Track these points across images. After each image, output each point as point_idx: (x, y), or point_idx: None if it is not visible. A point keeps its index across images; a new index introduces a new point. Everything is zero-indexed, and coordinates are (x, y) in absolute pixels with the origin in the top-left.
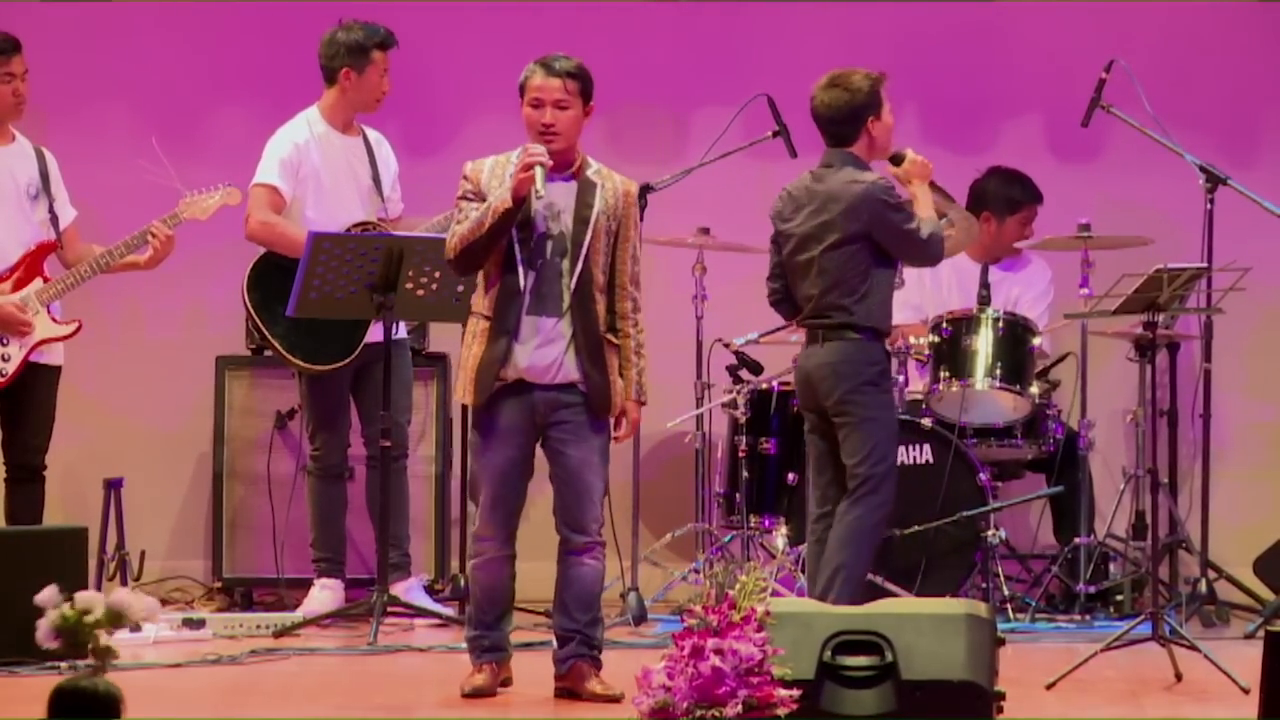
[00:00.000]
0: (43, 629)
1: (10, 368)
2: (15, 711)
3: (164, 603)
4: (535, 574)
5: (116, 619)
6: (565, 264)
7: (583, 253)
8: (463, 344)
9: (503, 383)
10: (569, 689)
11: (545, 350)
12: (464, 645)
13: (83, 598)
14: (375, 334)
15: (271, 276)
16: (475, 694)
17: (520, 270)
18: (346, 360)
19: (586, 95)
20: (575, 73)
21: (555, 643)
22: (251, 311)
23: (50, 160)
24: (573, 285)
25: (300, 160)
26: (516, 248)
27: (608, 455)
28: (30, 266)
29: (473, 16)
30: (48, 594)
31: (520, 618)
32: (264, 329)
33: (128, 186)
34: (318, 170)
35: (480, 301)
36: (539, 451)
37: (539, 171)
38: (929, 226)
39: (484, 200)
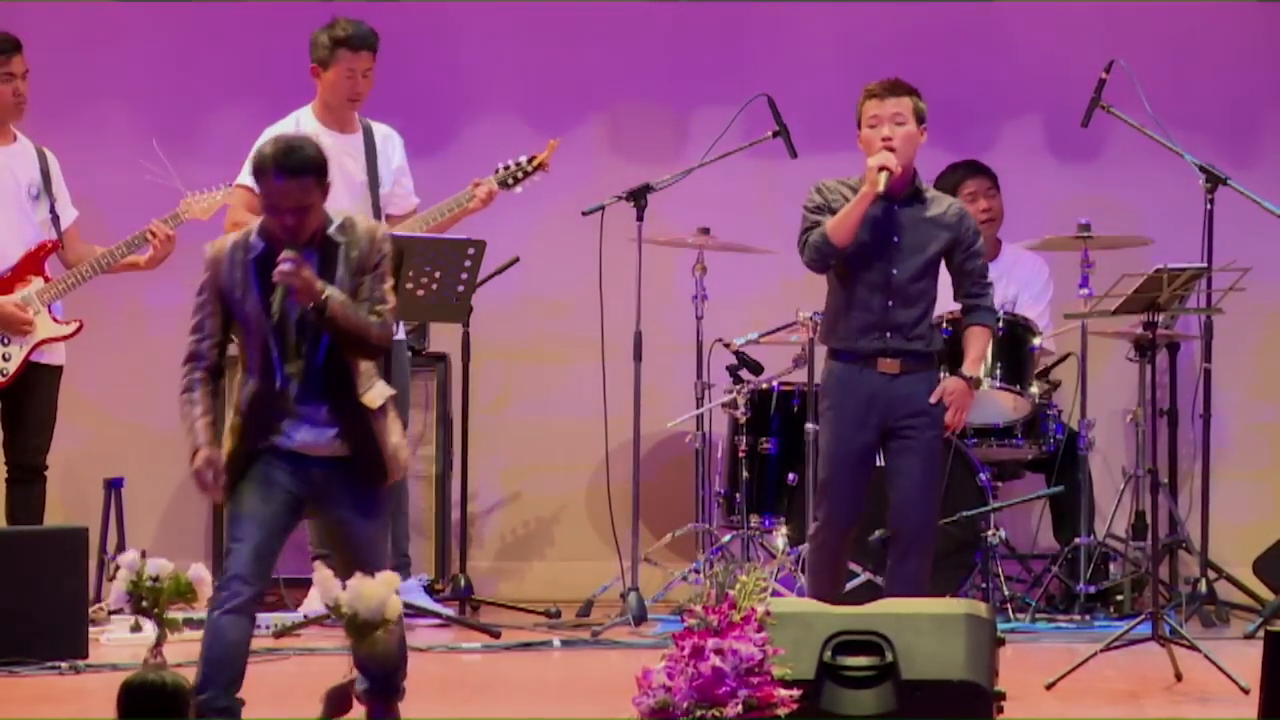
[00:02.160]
0: (116, 590)
1: (11, 367)
2: (15, 711)
3: None
4: (535, 574)
5: (188, 592)
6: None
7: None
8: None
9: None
10: None
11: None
12: (464, 645)
13: (156, 564)
14: None
15: None
16: None
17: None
18: None
19: (324, 186)
20: (309, 168)
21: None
22: None
23: (52, 160)
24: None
25: None
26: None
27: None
28: (31, 266)
29: (473, 16)
30: (128, 556)
31: (520, 618)
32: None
33: (128, 186)
34: None
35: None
36: None
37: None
38: (813, 234)
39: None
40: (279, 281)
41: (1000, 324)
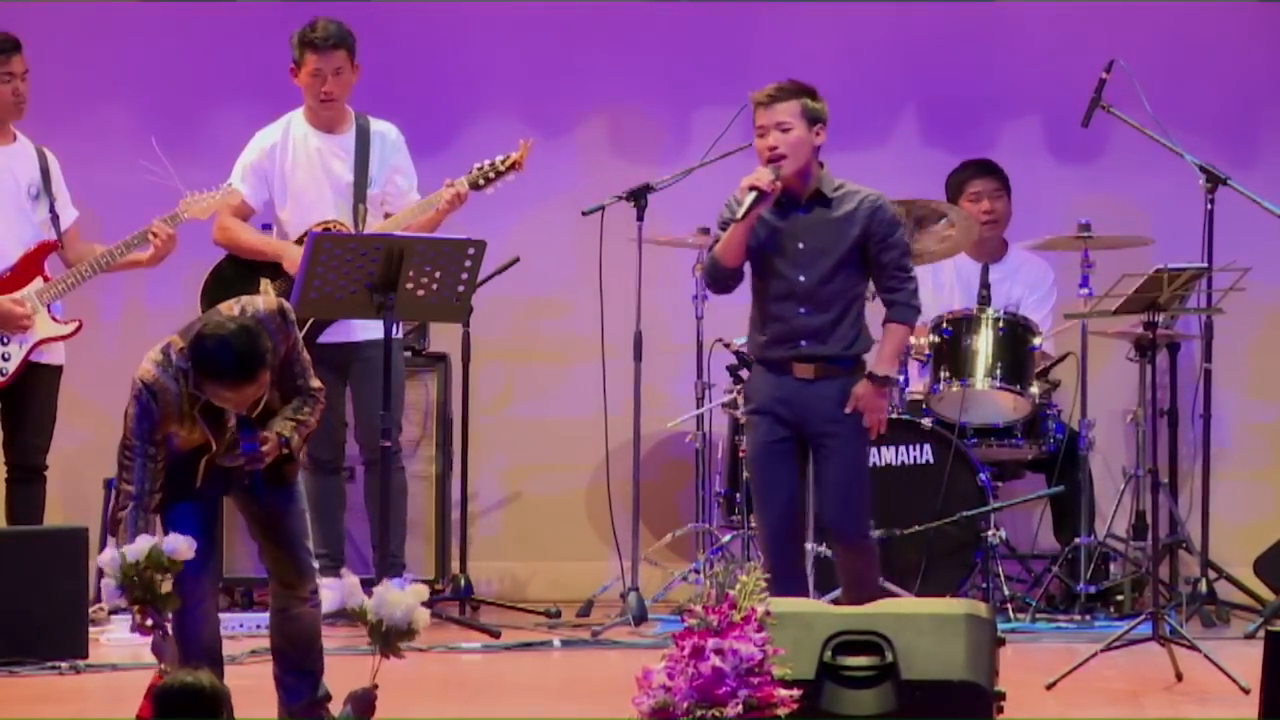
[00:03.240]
0: (107, 589)
1: (11, 367)
2: (15, 711)
3: None
4: (535, 574)
5: (171, 564)
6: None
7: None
8: None
9: None
10: None
11: None
12: (464, 645)
13: (131, 548)
14: (343, 333)
15: (224, 280)
16: None
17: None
18: None
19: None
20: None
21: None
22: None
23: (51, 160)
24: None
25: (268, 163)
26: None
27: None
28: (30, 266)
29: (473, 16)
30: (107, 554)
31: (520, 617)
32: None
33: (128, 186)
34: (288, 171)
35: None
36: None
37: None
38: (706, 256)
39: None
40: (248, 469)
41: (1001, 324)
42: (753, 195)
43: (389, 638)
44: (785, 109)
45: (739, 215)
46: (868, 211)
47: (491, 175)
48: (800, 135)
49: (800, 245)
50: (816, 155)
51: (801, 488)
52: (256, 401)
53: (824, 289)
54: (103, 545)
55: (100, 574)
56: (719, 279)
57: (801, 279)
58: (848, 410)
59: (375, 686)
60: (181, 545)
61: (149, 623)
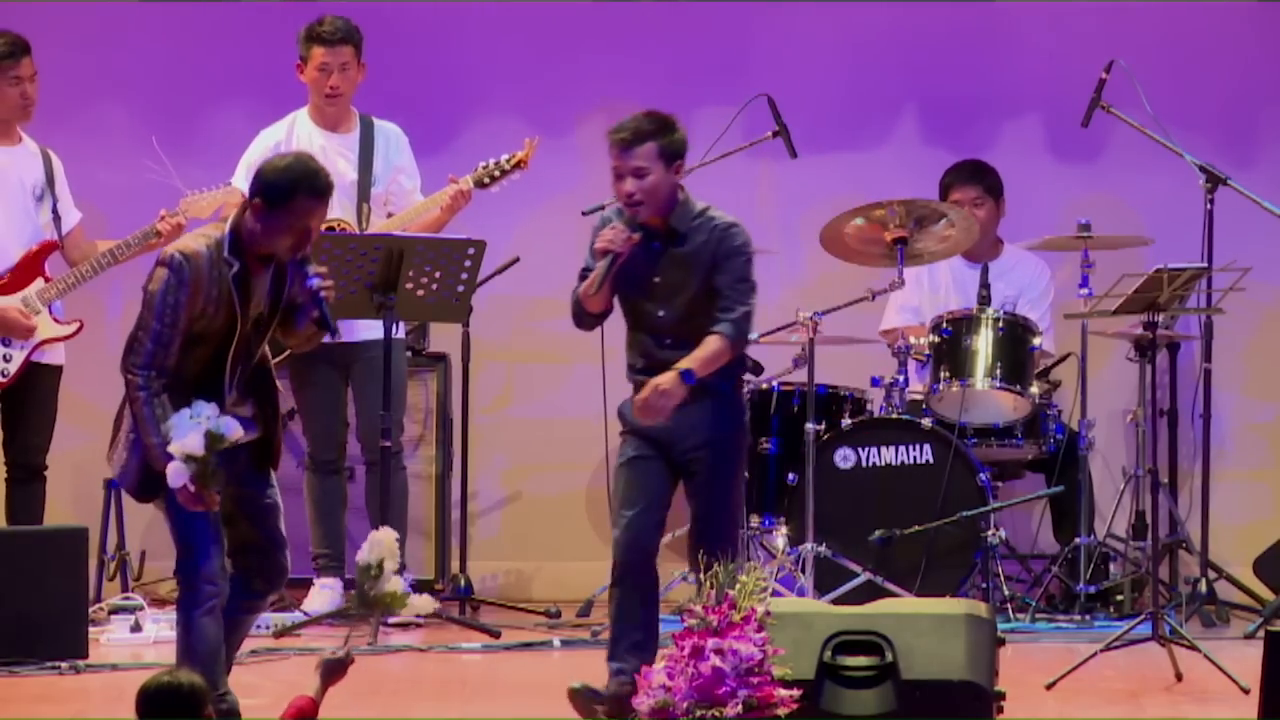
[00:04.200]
0: (176, 470)
1: (12, 368)
2: (15, 711)
3: (164, 603)
4: (535, 574)
5: (218, 440)
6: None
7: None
8: None
9: None
10: None
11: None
12: (464, 645)
13: (191, 438)
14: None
15: None
16: None
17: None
18: (279, 357)
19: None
20: (328, 190)
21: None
22: None
23: (55, 162)
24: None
25: None
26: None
27: None
28: (31, 266)
29: (473, 16)
30: (176, 443)
31: (520, 618)
32: None
33: (127, 185)
34: None
35: None
36: None
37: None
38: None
39: None
40: (324, 294)
41: (1001, 324)
42: (607, 259)
43: (376, 602)
44: (642, 153)
45: (594, 286)
46: (717, 239)
47: (497, 174)
48: (657, 179)
49: (658, 280)
50: (676, 190)
51: (662, 507)
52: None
53: (687, 323)
54: (103, 545)
55: (102, 566)
56: (582, 322)
57: (662, 314)
58: (642, 394)
59: (348, 653)
60: (235, 428)
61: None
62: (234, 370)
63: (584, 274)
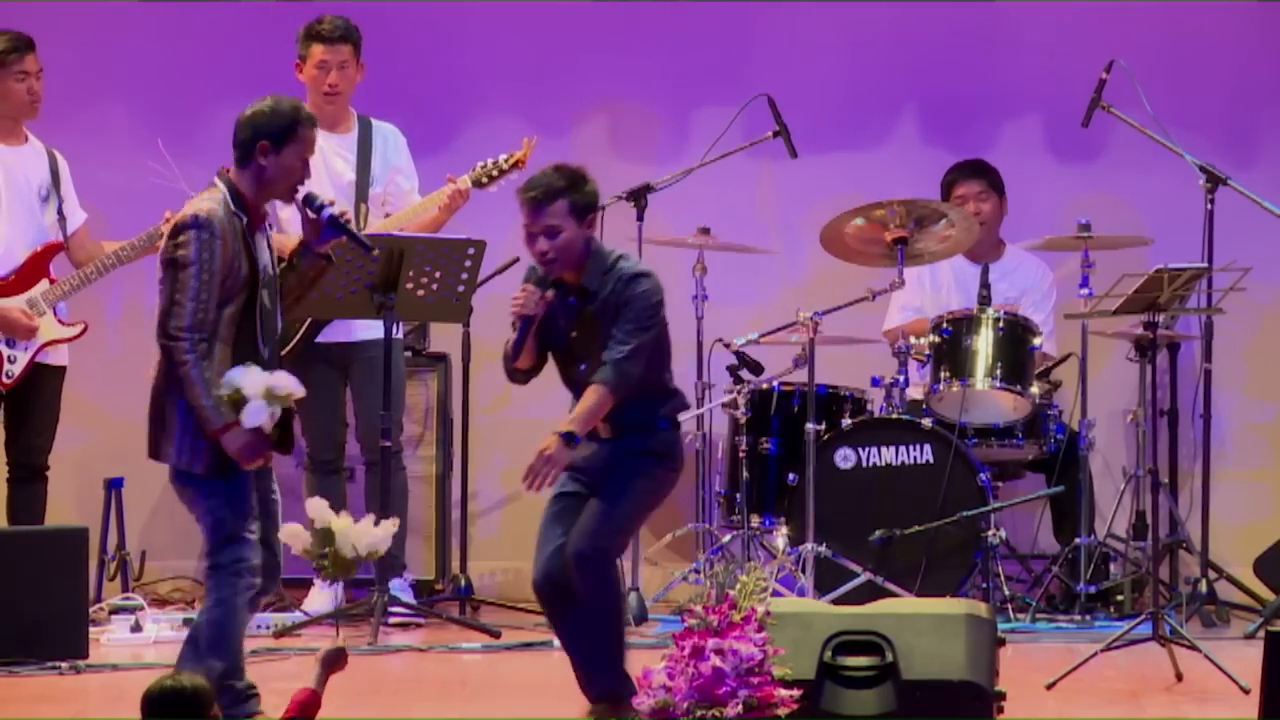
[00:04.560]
0: (253, 410)
1: (17, 369)
2: (15, 711)
3: (164, 603)
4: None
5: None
6: None
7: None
8: None
9: None
10: None
11: None
12: (464, 645)
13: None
14: (343, 333)
15: None
16: None
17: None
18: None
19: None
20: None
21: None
22: None
23: (61, 162)
24: None
25: None
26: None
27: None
28: (35, 268)
29: (473, 16)
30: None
31: (520, 618)
32: None
33: (127, 185)
34: None
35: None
36: None
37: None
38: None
39: None
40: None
41: (1001, 324)
42: (522, 324)
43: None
44: (554, 211)
45: (511, 355)
46: (619, 292)
47: (495, 174)
48: (570, 235)
49: (575, 335)
50: (588, 245)
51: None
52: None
53: None
54: (103, 545)
55: (102, 566)
56: (514, 377)
57: (583, 368)
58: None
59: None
60: (293, 381)
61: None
62: (263, 328)
63: (514, 326)
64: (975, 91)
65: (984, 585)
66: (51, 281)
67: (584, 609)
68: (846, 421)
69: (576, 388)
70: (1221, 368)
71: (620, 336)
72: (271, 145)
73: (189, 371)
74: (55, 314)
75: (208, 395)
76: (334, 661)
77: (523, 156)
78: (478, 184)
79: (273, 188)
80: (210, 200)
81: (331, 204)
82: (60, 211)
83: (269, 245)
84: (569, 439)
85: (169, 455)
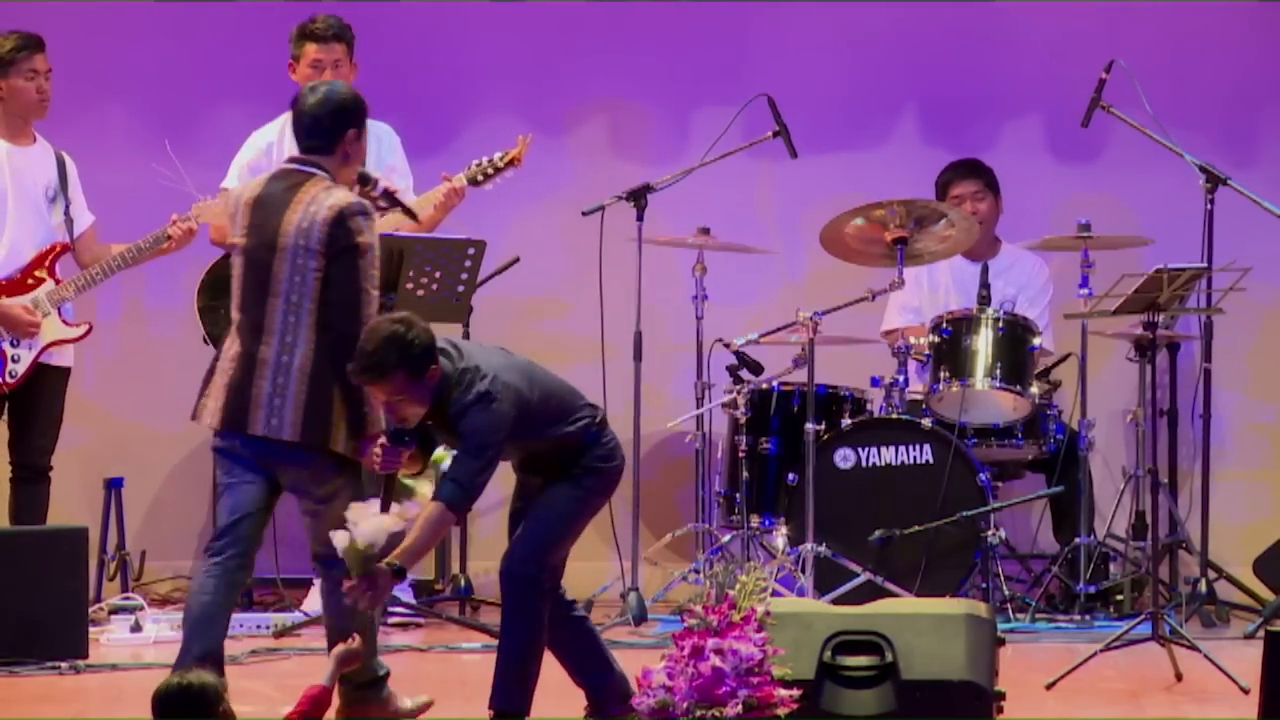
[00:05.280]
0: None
1: (21, 369)
2: (15, 711)
3: (164, 603)
4: None
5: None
6: None
7: None
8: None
9: None
10: None
11: None
12: (464, 645)
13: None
14: None
15: (222, 278)
16: None
17: None
18: None
19: None
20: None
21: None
22: (197, 312)
23: (69, 164)
24: None
25: (265, 162)
26: None
27: None
28: (41, 268)
29: (473, 16)
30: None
31: None
32: (204, 328)
33: (127, 186)
34: None
35: None
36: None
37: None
38: None
39: None
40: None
41: (1001, 324)
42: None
43: (366, 560)
44: (391, 385)
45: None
46: (455, 417)
47: (490, 171)
48: (415, 396)
49: (430, 423)
50: (431, 389)
51: None
52: None
53: (521, 458)
54: (103, 545)
55: (102, 566)
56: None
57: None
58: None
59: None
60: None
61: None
62: None
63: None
64: (975, 91)
65: (984, 585)
66: (57, 282)
67: (503, 624)
68: (846, 421)
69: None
70: (1221, 368)
71: (462, 460)
72: (357, 134)
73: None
74: (60, 314)
75: None
76: (349, 660)
77: (518, 154)
78: (473, 182)
79: (350, 173)
80: (344, 190)
81: (381, 179)
82: (67, 213)
83: None
84: (399, 573)
85: (333, 440)
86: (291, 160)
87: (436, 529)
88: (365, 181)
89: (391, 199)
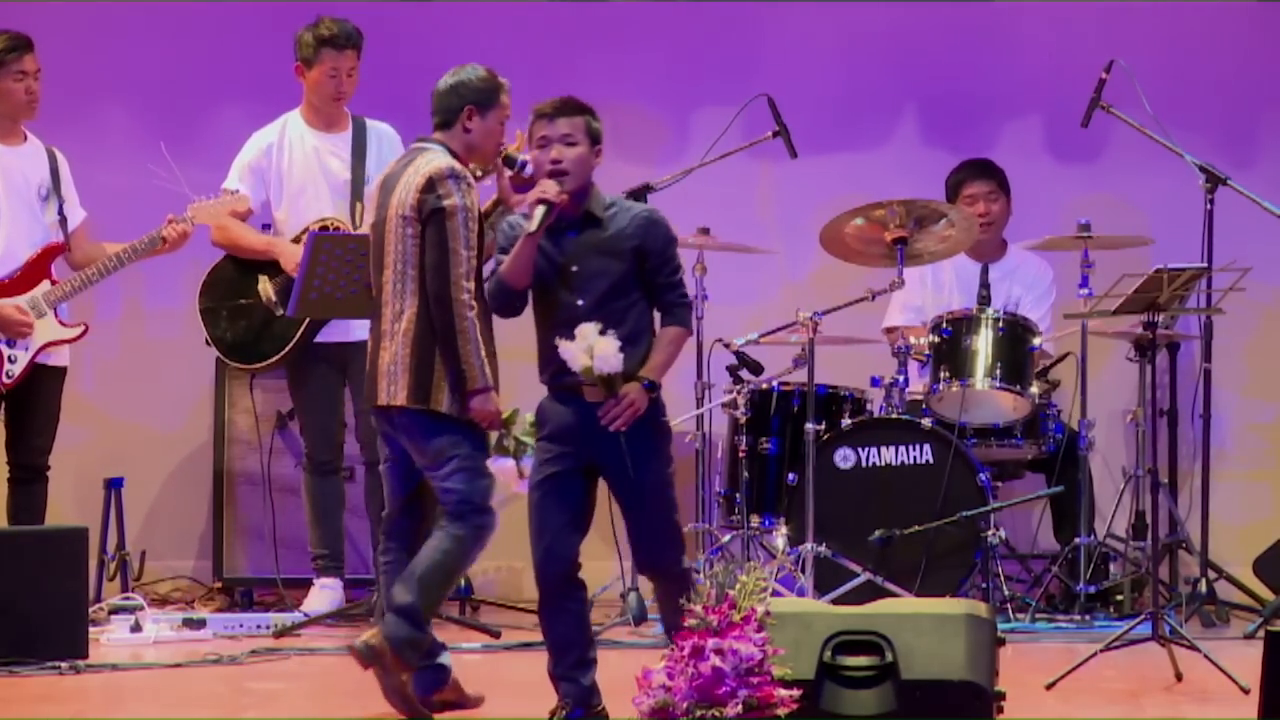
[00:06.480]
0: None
1: (17, 369)
2: (15, 711)
3: (164, 603)
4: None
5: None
6: None
7: None
8: None
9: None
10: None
11: None
12: (464, 645)
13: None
14: (342, 332)
15: (223, 280)
16: None
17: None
18: (276, 358)
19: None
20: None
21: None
22: (199, 314)
23: (61, 161)
24: None
25: (265, 163)
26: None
27: None
28: (37, 269)
29: (472, 16)
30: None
31: (520, 618)
32: (206, 330)
33: (126, 186)
34: (285, 170)
35: None
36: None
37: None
38: (492, 279)
39: None
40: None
41: (1000, 323)
42: (542, 209)
43: (612, 383)
44: (570, 123)
45: (531, 228)
46: (642, 227)
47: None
48: (583, 152)
49: (575, 269)
50: (591, 176)
51: (584, 516)
52: None
53: (605, 311)
54: (103, 545)
55: (102, 566)
56: (506, 303)
57: (580, 303)
58: (604, 414)
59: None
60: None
61: None
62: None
63: (498, 262)
64: (975, 91)
65: (984, 585)
66: (53, 282)
67: (673, 617)
68: (846, 421)
69: (567, 328)
70: (1221, 368)
71: (671, 280)
72: (478, 110)
73: (466, 326)
74: (56, 315)
75: (479, 353)
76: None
77: (514, 150)
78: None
79: (480, 151)
80: (446, 157)
81: (526, 158)
82: (61, 211)
83: None
84: (651, 388)
85: (434, 400)
86: (419, 139)
87: (678, 349)
88: (511, 164)
89: (525, 176)
